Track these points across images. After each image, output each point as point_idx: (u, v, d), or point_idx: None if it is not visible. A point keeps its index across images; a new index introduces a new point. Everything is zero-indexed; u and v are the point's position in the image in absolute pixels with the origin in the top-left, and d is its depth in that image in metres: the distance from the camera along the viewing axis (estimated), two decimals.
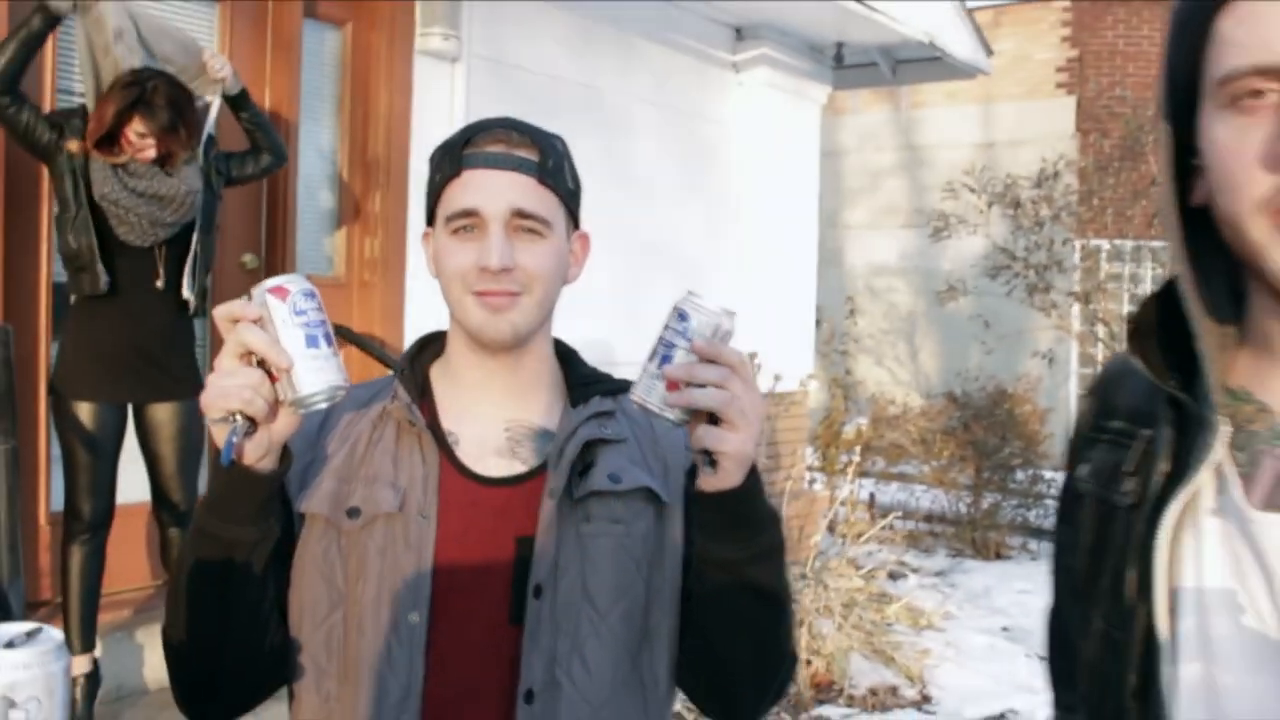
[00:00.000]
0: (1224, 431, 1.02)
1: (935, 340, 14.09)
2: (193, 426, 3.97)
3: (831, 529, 7.35)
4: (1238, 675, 0.98)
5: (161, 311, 3.90)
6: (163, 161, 3.80)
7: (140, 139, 3.74)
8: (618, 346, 4.76)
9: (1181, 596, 1.02)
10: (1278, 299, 1.00)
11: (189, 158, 3.88)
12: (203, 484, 4.60)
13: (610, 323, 5.06)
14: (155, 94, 3.74)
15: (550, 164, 1.48)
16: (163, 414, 3.93)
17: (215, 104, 4.00)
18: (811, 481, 8.29)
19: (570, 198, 1.54)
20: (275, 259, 4.68)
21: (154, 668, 4.05)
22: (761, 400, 1.30)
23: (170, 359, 3.94)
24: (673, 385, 1.26)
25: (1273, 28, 0.94)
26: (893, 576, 7.31)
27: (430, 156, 1.53)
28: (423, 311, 5.05)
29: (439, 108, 5.18)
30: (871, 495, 9.21)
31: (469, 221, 1.45)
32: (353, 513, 1.45)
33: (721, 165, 6.93)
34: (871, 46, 7.45)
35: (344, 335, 4.72)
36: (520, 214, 1.45)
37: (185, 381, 3.96)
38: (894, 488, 9.62)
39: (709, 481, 1.32)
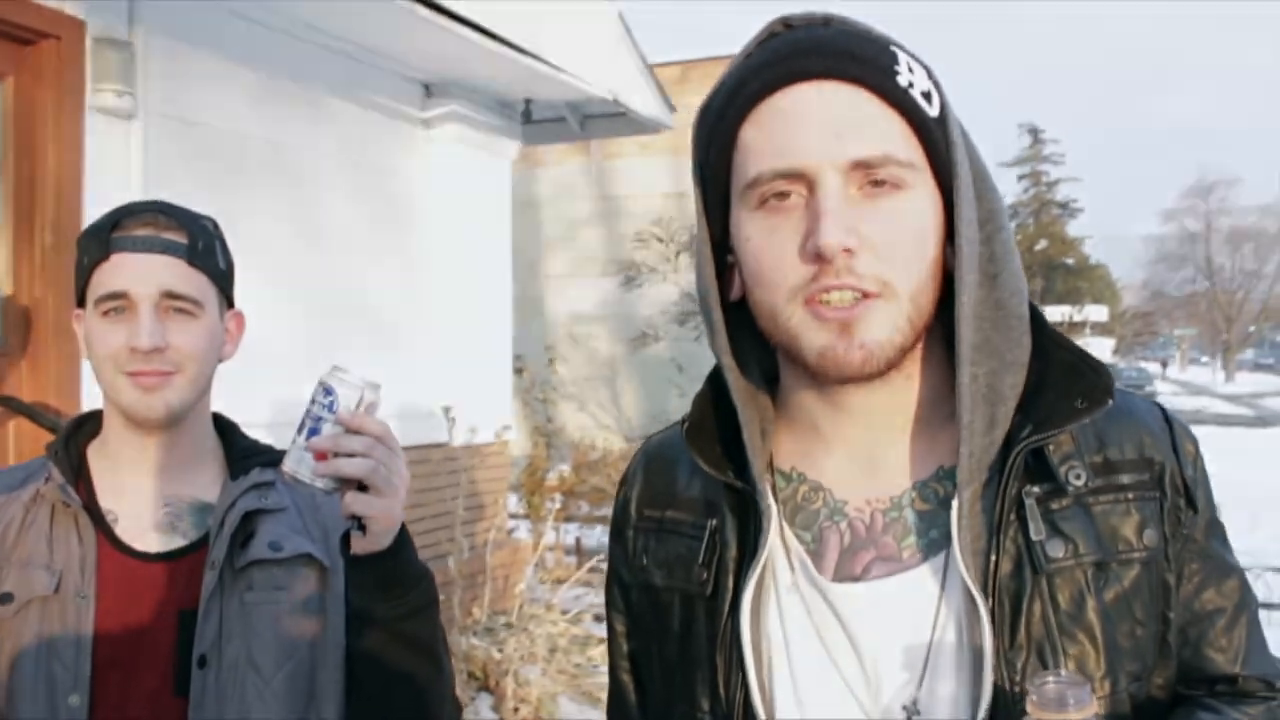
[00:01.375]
0: (774, 512, 1.13)
1: (635, 384, 14.50)
2: None
3: (540, 577, 7.45)
4: None
5: None
6: None
7: None
8: None
9: (775, 674, 1.11)
10: (813, 381, 1.11)
11: None
12: None
13: (302, 385, 4.98)
14: None
15: (200, 246, 1.54)
16: None
17: None
18: (512, 530, 8.37)
19: (222, 278, 1.59)
20: None
21: None
22: (405, 466, 1.39)
23: None
24: (321, 456, 1.33)
25: (789, 134, 1.04)
26: (599, 619, 7.47)
27: (78, 240, 1.56)
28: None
29: (115, 167, 5.00)
30: (578, 540, 9.37)
31: (119, 304, 1.50)
32: (4, 598, 1.44)
33: (414, 221, 6.96)
34: (559, 103, 7.68)
35: (14, 407, 4.48)
36: (170, 295, 1.51)
37: None
38: (599, 530, 9.81)
39: (360, 545, 1.40)
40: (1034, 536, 1.04)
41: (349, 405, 1.35)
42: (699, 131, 1.14)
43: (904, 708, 1.06)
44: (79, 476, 1.57)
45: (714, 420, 1.20)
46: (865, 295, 1.03)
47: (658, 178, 14.90)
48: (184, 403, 1.55)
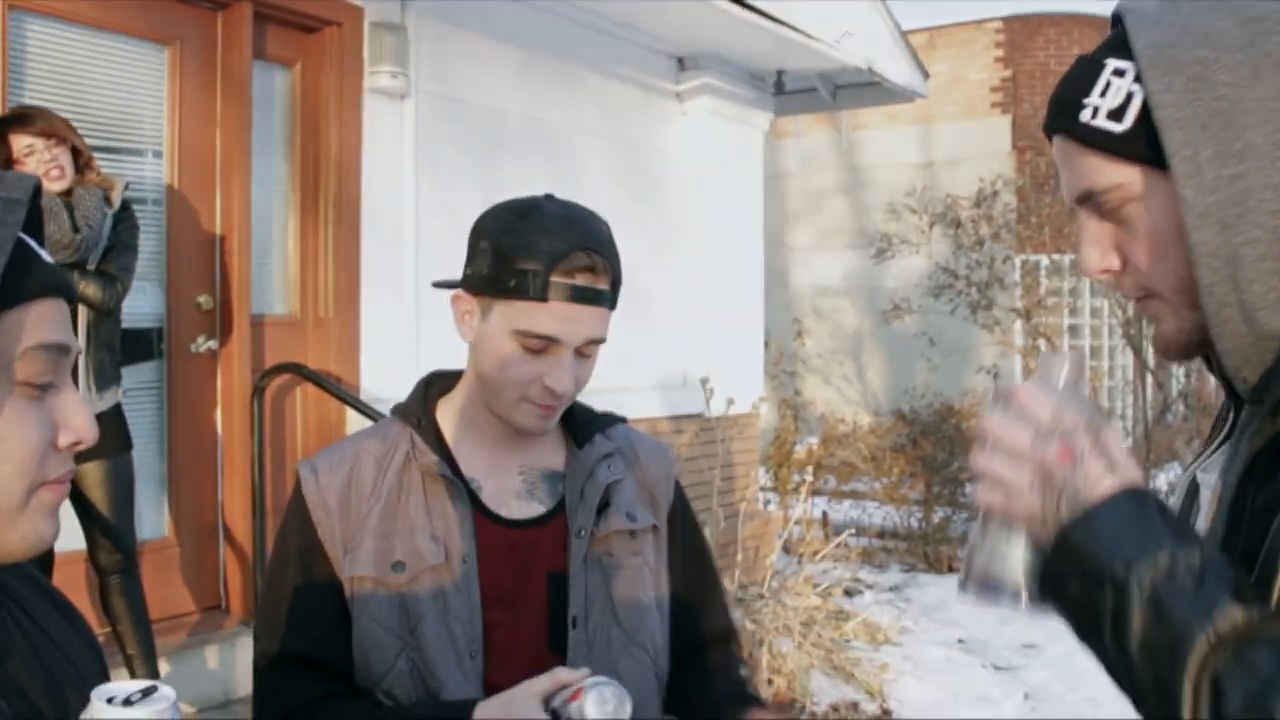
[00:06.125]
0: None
1: (882, 359, 14.27)
2: (121, 478, 3.94)
3: (787, 549, 7.44)
4: None
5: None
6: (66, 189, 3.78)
7: (27, 152, 3.70)
8: None
9: None
10: None
11: (93, 190, 3.85)
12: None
13: None
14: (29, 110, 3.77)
15: (617, 288, 1.59)
16: (90, 473, 3.86)
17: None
18: (766, 502, 8.38)
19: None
20: (229, 299, 4.70)
21: None
22: None
23: None
24: None
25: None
26: (849, 593, 7.41)
27: (503, 243, 1.54)
28: (378, 347, 5.09)
29: (389, 144, 5.24)
30: (824, 513, 9.32)
31: (545, 345, 1.52)
32: (397, 566, 1.55)
33: (668, 193, 7.02)
34: (811, 73, 7.59)
35: (303, 374, 4.75)
36: (591, 341, 1.56)
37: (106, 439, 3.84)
38: (846, 505, 9.73)
39: None
40: None
41: None
42: None
43: None
44: (439, 444, 1.65)
45: None
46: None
47: (905, 148, 14.56)
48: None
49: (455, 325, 1.62)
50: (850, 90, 8.03)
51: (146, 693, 0.93)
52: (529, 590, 1.60)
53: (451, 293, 1.62)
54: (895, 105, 9.34)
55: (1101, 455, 1.00)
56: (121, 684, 0.94)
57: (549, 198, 1.62)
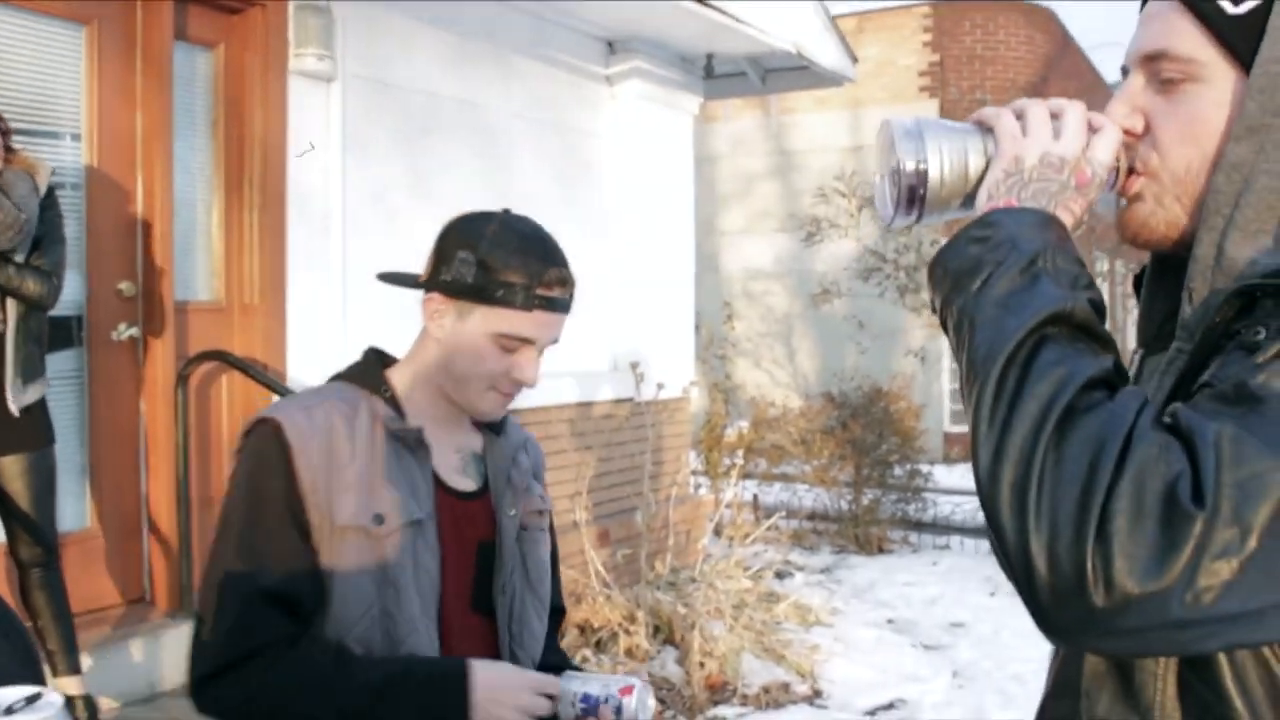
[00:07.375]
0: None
1: (812, 342, 14.38)
2: (42, 471, 3.88)
3: (718, 532, 7.48)
4: None
5: None
6: None
7: None
8: None
9: None
10: None
11: (21, 175, 3.75)
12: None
13: None
14: None
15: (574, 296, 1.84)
16: (10, 466, 3.81)
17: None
18: (697, 486, 8.41)
19: None
20: (152, 285, 4.61)
21: None
22: None
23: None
24: None
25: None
26: (780, 576, 7.46)
27: (489, 258, 1.75)
28: (305, 333, 5.03)
29: (316, 128, 5.16)
30: (755, 497, 9.37)
31: (519, 345, 1.78)
32: (378, 519, 1.72)
33: (598, 176, 7.00)
34: (740, 57, 7.60)
35: (228, 361, 4.68)
36: (553, 342, 1.83)
37: (29, 432, 3.84)
38: (777, 488, 9.80)
39: None
40: None
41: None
42: None
43: None
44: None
45: None
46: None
47: (835, 132, 14.66)
48: None
49: (425, 322, 1.82)
50: (780, 74, 8.05)
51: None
52: (463, 557, 1.82)
53: (423, 295, 1.80)
54: (824, 89, 9.38)
55: (1084, 213, 1.12)
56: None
57: (509, 213, 1.82)
